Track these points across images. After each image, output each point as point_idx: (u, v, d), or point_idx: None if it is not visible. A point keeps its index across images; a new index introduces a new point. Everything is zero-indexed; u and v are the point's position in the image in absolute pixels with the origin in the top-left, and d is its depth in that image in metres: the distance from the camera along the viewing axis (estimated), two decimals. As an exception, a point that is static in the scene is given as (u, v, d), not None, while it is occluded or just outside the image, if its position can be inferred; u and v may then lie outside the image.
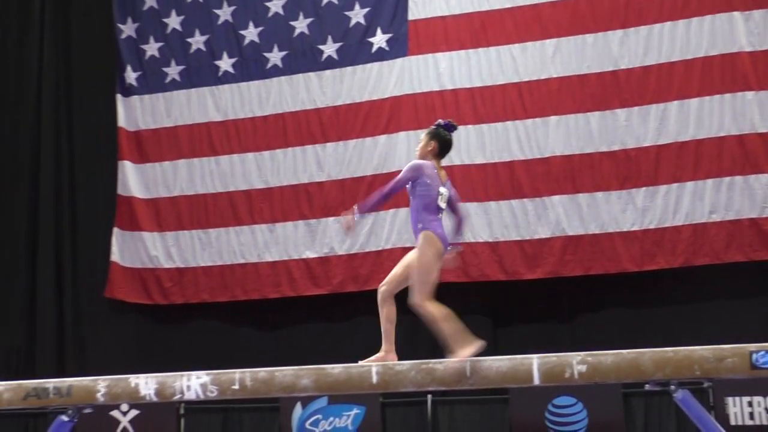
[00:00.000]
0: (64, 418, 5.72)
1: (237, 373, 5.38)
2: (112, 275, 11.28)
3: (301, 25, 11.16)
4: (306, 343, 10.62)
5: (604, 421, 9.12)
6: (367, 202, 5.93)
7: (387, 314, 5.82)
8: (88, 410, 5.77)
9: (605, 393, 9.04)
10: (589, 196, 9.99)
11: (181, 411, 10.11)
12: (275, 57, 11.21)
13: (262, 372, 5.38)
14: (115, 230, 11.38)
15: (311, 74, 11.05)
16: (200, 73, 11.48)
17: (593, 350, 5.04)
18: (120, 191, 11.46)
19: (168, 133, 11.48)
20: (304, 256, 10.72)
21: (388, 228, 10.43)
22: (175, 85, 11.55)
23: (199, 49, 11.53)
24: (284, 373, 5.36)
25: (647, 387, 5.13)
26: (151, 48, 11.70)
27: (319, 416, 9.76)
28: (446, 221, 5.94)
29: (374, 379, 5.24)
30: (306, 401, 9.74)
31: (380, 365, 5.34)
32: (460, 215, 6.07)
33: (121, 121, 11.61)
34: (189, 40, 11.57)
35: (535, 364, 5.03)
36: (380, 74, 10.78)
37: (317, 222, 10.79)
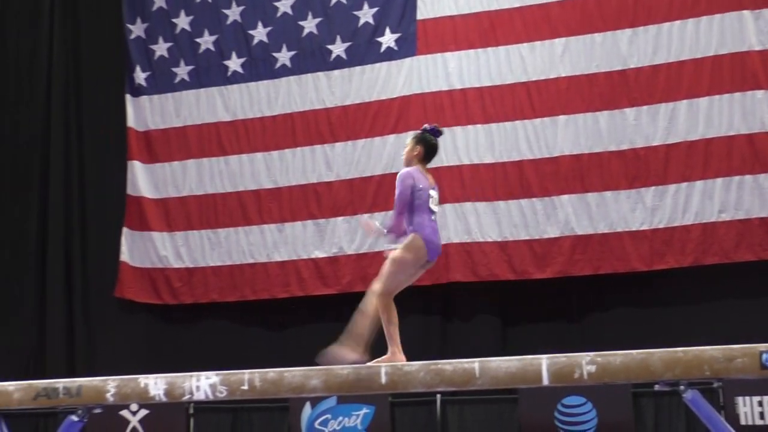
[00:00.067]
0: (74, 418, 5.73)
1: (246, 374, 5.38)
2: (122, 275, 11.31)
3: (309, 24, 11.17)
4: (315, 343, 10.55)
5: (614, 421, 9.10)
6: (392, 229, 5.95)
7: (388, 317, 5.83)
8: (97, 410, 5.77)
9: (615, 393, 9.02)
10: (598, 196, 9.97)
11: (191, 411, 10.13)
12: (284, 57, 11.22)
13: (272, 372, 5.39)
14: (125, 230, 11.40)
15: (320, 74, 11.06)
16: (209, 73, 11.49)
17: (602, 350, 5.02)
18: (129, 191, 11.49)
19: (177, 133, 11.50)
20: (313, 256, 10.73)
21: (397, 228, 10.42)
22: (184, 85, 11.57)
23: (208, 49, 11.54)
24: (293, 373, 5.36)
25: (657, 387, 5.10)
26: (160, 48, 11.72)
27: (329, 416, 9.77)
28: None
29: (383, 379, 5.24)
30: (315, 401, 9.74)
31: (389, 366, 5.34)
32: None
33: (131, 121, 11.64)
34: (198, 40, 11.59)
35: (544, 364, 5.01)
36: (389, 74, 10.78)
37: (326, 222, 10.80)
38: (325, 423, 9.76)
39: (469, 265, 10.20)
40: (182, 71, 11.59)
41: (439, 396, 9.66)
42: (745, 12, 9.72)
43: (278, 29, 11.28)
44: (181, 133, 11.48)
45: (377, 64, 10.85)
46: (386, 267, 5.80)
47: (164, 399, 5.50)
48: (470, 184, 10.32)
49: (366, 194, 10.60)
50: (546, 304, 10.18)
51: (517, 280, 10.12)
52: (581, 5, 10.25)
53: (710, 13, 9.83)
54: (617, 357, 4.94)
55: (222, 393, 5.39)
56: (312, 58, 11.13)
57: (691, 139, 9.77)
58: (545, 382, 5.03)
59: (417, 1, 10.75)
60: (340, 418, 9.73)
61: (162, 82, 11.64)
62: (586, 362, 4.95)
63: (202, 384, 5.39)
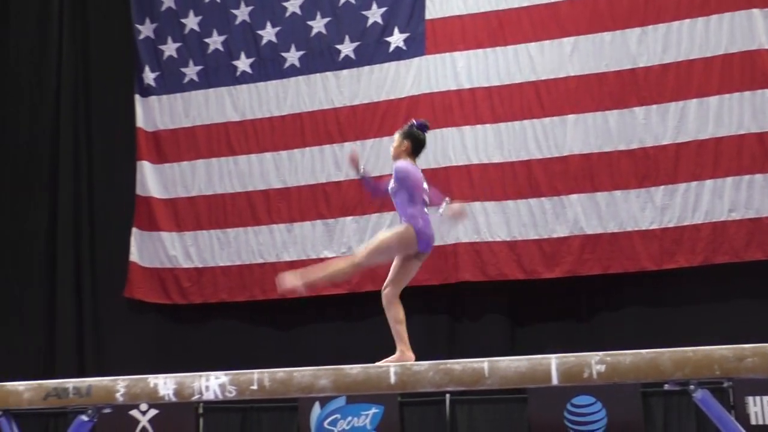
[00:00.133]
0: (84, 417, 5.73)
1: (255, 374, 5.38)
2: (131, 275, 11.33)
3: (318, 24, 11.17)
4: (324, 343, 10.62)
5: (623, 421, 9.08)
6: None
7: (395, 315, 5.87)
8: (107, 410, 5.78)
9: (624, 393, 9.00)
10: (608, 195, 9.95)
11: (200, 411, 10.14)
12: (293, 57, 11.22)
13: (281, 372, 5.38)
14: (134, 230, 11.42)
15: (329, 74, 11.06)
16: (218, 74, 11.50)
17: (612, 349, 5.01)
18: (138, 191, 11.50)
19: (186, 133, 11.51)
20: (322, 256, 10.71)
21: (405, 228, 10.41)
22: (193, 86, 11.58)
23: (216, 50, 11.55)
24: (302, 373, 5.35)
25: (666, 387, 5.09)
26: (169, 48, 11.73)
27: (338, 416, 9.77)
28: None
29: (392, 379, 5.23)
30: (324, 401, 9.74)
31: (398, 365, 5.33)
32: (381, 190, 6.23)
33: (140, 121, 11.65)
34: (207, 40, 11.60)
35: (554, 364, 5.00)
36: (397, 74, 10.78)
37: (335, 222, 10.80)
38: (334, 423, 9.76)
39: (478, 265, 10.19)
40: (191, 71, 11.61)
41: (448, 396, 9.65)
42: (755, 10, 9.68)
43: (287, 29, 11.29)
44: (190, 134, 11.49)
45: (386, 64, 10.85)
46: (371, 242, 5.95)
47: (173, 399, 5.50)
48: (479, 183, 10.31)
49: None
50: (555, 304, 10.17)
51: (526, 280, 10.10)
52: (591, 4, 10.23)
53: (720, 12, 9.80)
54: (627, 356, 4.93)
55: (231, 393, 5.39)
56: (321, 58, 11.13)
57: (701, 138, 9.74)
58: (554, 381, 5.01)
59: (426, 1, 10.74)
60: (350, 418, 9.73)
61: (171, 83, 11.66)
62: (596, 362, 4.93)
63: (212, 384, 5.39)
